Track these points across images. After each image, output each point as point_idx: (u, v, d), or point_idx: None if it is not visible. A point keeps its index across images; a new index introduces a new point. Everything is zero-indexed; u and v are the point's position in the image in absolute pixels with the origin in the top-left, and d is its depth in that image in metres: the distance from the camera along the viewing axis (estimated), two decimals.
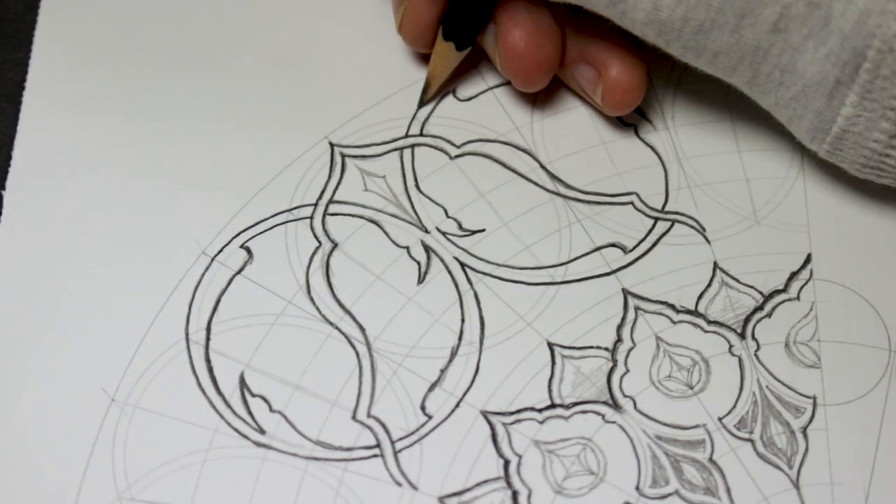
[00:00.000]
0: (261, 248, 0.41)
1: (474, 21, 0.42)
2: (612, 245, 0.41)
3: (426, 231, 0.42)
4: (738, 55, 0.38)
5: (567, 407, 0.38)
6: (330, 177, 0.43)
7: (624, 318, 0.40)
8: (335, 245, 0.41)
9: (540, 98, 0.45)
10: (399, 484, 0.37)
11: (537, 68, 0.41)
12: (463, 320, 0.40)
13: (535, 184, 0.43)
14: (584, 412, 0.38)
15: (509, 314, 0.40)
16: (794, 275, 0.41)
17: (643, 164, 0.43)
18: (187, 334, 0.39)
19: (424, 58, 0.45)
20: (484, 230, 0.42)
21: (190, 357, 0.39)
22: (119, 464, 0.37)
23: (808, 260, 0.41)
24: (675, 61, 0.39)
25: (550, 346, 0.39)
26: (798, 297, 0.40)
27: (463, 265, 0.41)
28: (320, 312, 0.40)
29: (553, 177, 0.43)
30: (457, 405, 0.38)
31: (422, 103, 0.44)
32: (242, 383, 0.39)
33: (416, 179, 0.43)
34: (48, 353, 0.39)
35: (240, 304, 0.40)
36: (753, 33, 0.37)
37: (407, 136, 0.44)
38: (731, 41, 0.37)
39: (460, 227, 0.42)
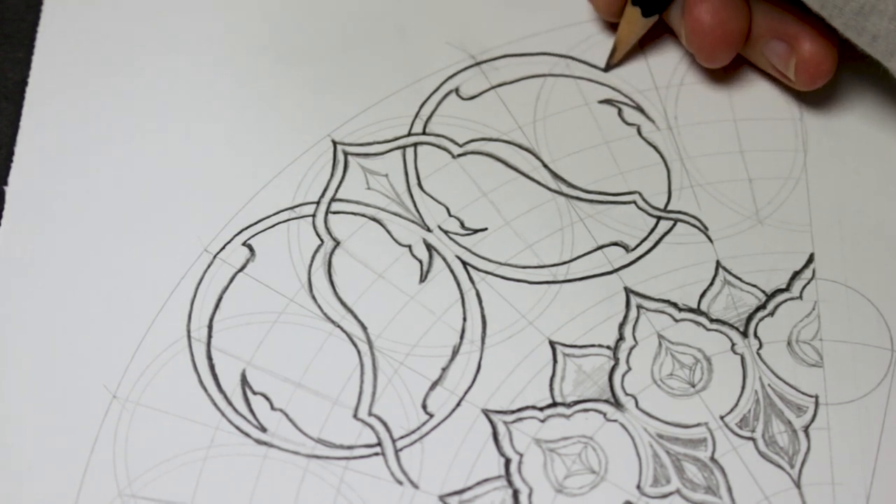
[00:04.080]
0: (263, 245, 0.41)
1: None
2: (615, 244, 0.41)
3: (428, 230, 0.42)
4: (895, 42, 0.38)
5: (568, 405, 0.38)
6: (332, 175, 0.43)
7: (626, 317, 0.40)
8: (337, 243, 0.41)
9: (542, 98, 0.45)
10: (400, 482, 0.37)
11: (722, 43, 0.42)
12: (465, 319, 0.40)
13: (538, 183, 0.43)
14: (585, 410, 0.38)
15: (511, 313, 0.40)
16: (796, 274, 0.41)
17: (646, 164, 0.43)
18: (189, 332, 0.39)
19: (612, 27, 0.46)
20: (486, 229, 0.42)
21: (192, 354, 0.39)
22: (120, 461, 0.37)
23: (810, 259, 0.41)
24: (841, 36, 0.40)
25: (552, 344, 0.39)
26: (801, 297, 0.40)
27: (465, 264, 0.41)
28: (322, 311, 0.40)
29: (555, 176, 0.43)
30: (458, 404, 0.38)
31: (608, 67, 0.45)
32: (244, 381, 0.39)
33: (418, 178, 0.43)
34: (50, 349, 0.39)
35: (242, 301, 0.40)
36: None
37: (409, 134, 0.44)
38: (889, 27, 0.38)
39: (462, 225, 0.42)
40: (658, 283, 0.40)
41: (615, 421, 0.38)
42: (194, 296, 0.40)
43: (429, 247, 0.41)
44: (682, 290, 0.40)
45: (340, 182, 0.43)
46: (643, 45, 0.46)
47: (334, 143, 0.43)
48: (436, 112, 0.44)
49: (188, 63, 0.46)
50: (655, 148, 0.44)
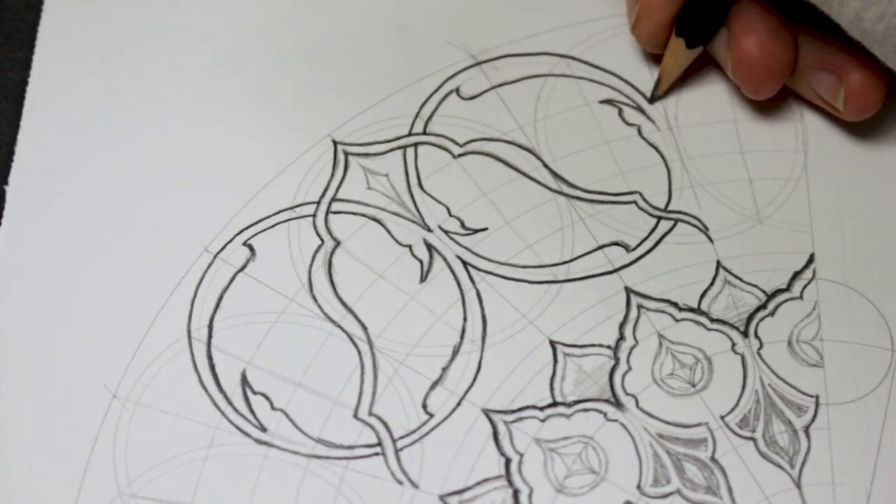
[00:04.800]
0: (263, 245, 0.41)
1: (708, 19, 0.42)
2: (615, 244, 0.41)
3: (429, 229, 0.42)
4: None
5: (569, 405, 0.38)
6: (333, 174, 0.43)
7: (626, 316, 0.40)
8: (338, 243, 0.41)
9: (543, 98, 0.45)
10: (400, 482, 0.37)
11: (769, 75, 0.41)
12: (465, 318, 0.40)
13: (538, 182, 0.43)
14: (585, 410, 0.38)
15: (511, 312, 0.40)
16: (797, 274, 0.41)
17: (646, 164, 0.43)
18: (189, 331, 0.39)
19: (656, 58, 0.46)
20: (486, 229, 0.42)
21: (192, 354, 0.39)
22: (120, 460, 0.37)
23: (811, 260, 0.41)
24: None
25: (552, 344, 0.39)
26: (801, 297, 0.40)
27: (465, 264, 0.41)
28: (322, 310, 0.40)
29: (556, 176, 0.43)
30: (458, 403, 0.38)
31: (653, 99, 0.45)
32: (244, 381, 0.39)
33: (418, 178, 0.43)
34: (50, 349, 0.39)
35: (242, 301, 0.40)
36: None
37: (410, 134, 0.44)
38: None
39: (463, 225, 0.42)
40: (658, 282, 0.40)
41: (615, 421, 0.38)
42: (195, 295, 0.40)
43: (429, 247, 0.41)
44: (682, 290, 0.40)
45: (341, 182, 0.43)
46: (685, 76, 0.45)
47: (335, 143, 0.43)
48: (436, 112, 0.44)
49: (188, 63, 0.46)
50: (656, 148, 0.44)
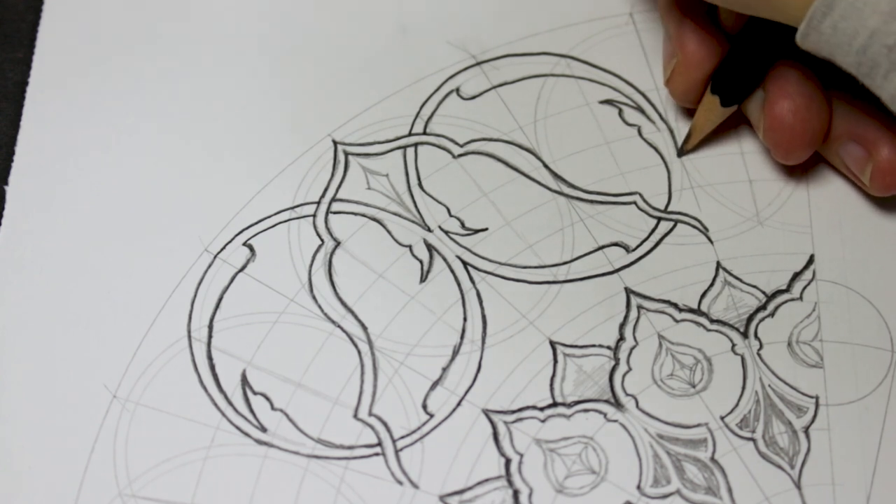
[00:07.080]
0: (263, 245, 0.41)
1: (744, 80, 0.41)
2: (615, 244, 0.41)
3: (429, 230, 0.42)
4: None
5: (569, 405, 0.38)
6: (333, 175, 0.43)
7: (626, 317, 0.40)
8: (338, 243, 0.41)
9: (543, 98, 0.45)
10: (400, 482, 0.37)
11: (800, 142, 0.40)
12: (465, 319, 0.40)
13: (538, 183, 0.43)
14: (585, 411, 0.38)
15: (511, 313, 0.40)
16: (796, 275, 0.41)
17: (646, 165, 0.43)
18: (189, 331, 0.39)
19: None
20: (486, 229, 0.42)
21: (192, 354, 0.39)
22: (120, 460, 0.37)
23: (811, 261, 0.41)
24: None
25: (552, 344, 0.39)
26: (801, 298, 0.40)
27: (465, 264, 0.41)
28: (322, 311, 0.40)
29: (556, 176, 0.43)
30: (458, 404, 0.38)
31: (681, 153, 0.44)
32: (244, 381, 0.39)
33: (419, 178, 0.43)
34: (50, 349, 0.39)
35: (242, 301, 0.40)
36: None
37: (410, 134, 0.44)
38: None
39: (463, 225, 0.42)
40: (658, 283, 0.40)
41: (615, 421, 0.38)
42: (195, 296, 0.40)
43: (429, 247, 0.41)
44: (682, 291, 0.40)
45: (341, 182, 0.43)
46: (716, 132, 0.44)
47: (335, 143, 0.43)
48: (436, 112, 0.44)
49: (188, 63, 0.46)
50: (656, 149, 0.44)
